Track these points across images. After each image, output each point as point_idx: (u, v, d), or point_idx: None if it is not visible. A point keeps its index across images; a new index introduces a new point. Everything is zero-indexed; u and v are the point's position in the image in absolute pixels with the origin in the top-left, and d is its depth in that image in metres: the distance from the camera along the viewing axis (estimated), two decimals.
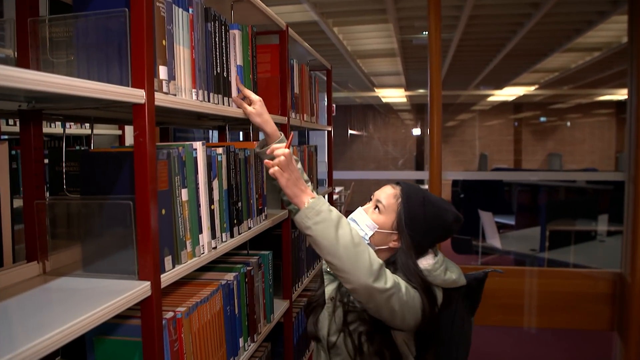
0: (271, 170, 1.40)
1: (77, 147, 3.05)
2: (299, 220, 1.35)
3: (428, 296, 1.41)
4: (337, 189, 8.39)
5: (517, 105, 12.34)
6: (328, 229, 1.30)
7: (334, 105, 5.34)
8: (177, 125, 2.47)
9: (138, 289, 1.02)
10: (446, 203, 1.54)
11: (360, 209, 1.55)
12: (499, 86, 9.67)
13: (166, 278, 1.12)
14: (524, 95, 10.85)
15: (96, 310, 0.91)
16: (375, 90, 9.49)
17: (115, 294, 0.98)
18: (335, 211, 1.35)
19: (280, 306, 2.05)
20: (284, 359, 2.13)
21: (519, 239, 6.10)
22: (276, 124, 1.80)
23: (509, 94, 10.58)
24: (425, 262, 1.47)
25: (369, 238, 1.49)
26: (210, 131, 3.65)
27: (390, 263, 1.47)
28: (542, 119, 12.58)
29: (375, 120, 12.49)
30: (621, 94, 10.06)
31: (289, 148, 1.42)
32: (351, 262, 1.28)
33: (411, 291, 1.37)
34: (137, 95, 1.02)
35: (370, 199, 1.57)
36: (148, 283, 1.05)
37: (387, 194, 1.52)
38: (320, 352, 1.55)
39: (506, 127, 12.55)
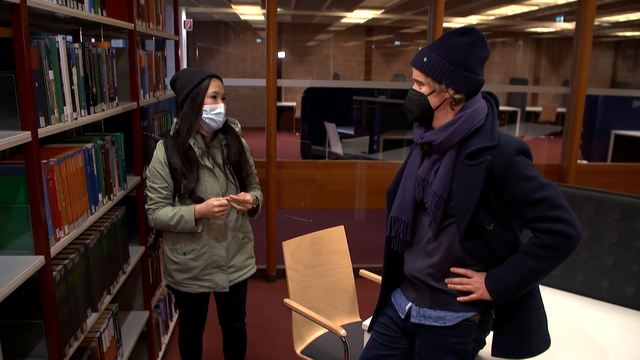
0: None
1: None
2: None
3: None
4: None
5: (369, 28, 13.23)
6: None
7: (191, 21, 5.62)
8: (34, 29, 2.73)
9: (22, 135, 1.47)
10: None
11: None
12: (349, 8, 10.35)
13: (42, 132, 1.58)
14: (374, 19, 11.69)
15: None
16: (232, 6, 9.67)
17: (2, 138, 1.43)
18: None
19: (132, 180, 2.55)
20: (137, 223, 2.66)
21: (357, 145, 7.05)
22: (123, 29, 2.22)
23: (359, 16, 11.34)
24: None
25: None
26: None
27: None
28: (397, 42, 13.65)
29: (234, 37, 12.69)
30: (456, 22, 11.29)
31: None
32: None
33: None
34: None
35: None
36: (29, 132, 1.51)
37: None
38: None
39: (359, 49, 13.45)
